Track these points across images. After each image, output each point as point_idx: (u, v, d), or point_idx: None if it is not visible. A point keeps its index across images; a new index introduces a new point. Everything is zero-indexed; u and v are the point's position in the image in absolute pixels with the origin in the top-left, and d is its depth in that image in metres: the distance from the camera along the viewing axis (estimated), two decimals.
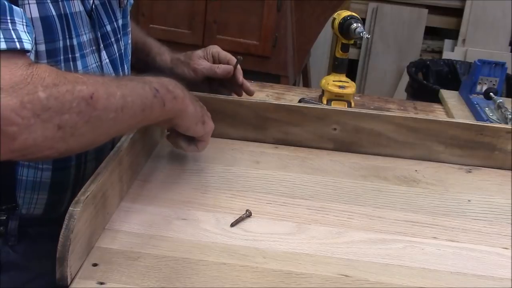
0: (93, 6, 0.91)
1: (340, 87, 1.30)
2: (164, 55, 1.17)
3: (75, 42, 0.86)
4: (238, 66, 1.12)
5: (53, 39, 0.81)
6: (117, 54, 0.98)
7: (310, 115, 1.07)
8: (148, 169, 0.96)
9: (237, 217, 0.84)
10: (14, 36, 0.66)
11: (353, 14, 1.27)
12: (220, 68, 1.12)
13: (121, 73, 0.99)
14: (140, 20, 2.49)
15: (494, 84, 1.47)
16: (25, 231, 0.89)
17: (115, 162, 0.81)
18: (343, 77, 1.32)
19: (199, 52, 1.15)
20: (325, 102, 1.31)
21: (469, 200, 0.95)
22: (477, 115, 1.37)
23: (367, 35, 1.22)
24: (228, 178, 0.96)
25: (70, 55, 0.85)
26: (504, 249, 0.82)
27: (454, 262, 0.79)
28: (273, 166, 1.01)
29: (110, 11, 0.96)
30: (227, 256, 0.75)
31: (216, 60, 1.14)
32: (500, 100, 1.38)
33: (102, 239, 0.77)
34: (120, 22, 0.99)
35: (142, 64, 1.16)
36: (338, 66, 1.32)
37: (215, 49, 1.15)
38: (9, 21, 0.66)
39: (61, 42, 0.83)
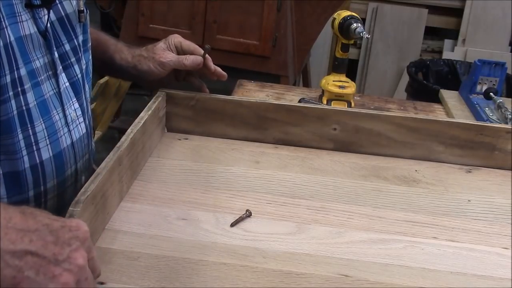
0: (48, 25, 0.82)
1: (340, 87, 1.30)
2: (123, 52, 1.08)
3: (23, 72, 0.77)
4: (207, 54, 1.06)
5: None
6: (78, 76, 0.90)
7: (310, 115, 1.07)
8: (148, 169, 0.96)
9: (237, 217, 0.84)
10: None
11: (353, 14, 1.27)
12: (189, 60, 1.04)
13: (83, 95, 0.92)
14: (140, 20, 2.49)
15: (494, 84, 1.47)
16: None
17: (115, 162, 0.81)
18: (343, 77, 1.32)
19: (162, 44, 1.06)
20: (325, 102, 1.31)
21: (469, 200, 0.95)
22: (477, 115, 1.37)
23: (367, 35, 1.22)
24: (228, 178, 0.96)
25: (19, 89, 0.77)
26: (504, 249, 0.82)
27: (454, 262, 0.79)
28: (273, 166, 1.01)
29: (69, 27, 0.88)
30: (227, 256, 0.75)
31: (179, 50, 1.07)
32: (500, 100, 1.38)
33: (102, 239, 0.77)
34: (80, 38, 0.92)
35: (97, 63, 1.03)
36: (338, 66, 1.32)
37: (177, 39, 1.07)
38: None
39: (7, 77, 0.74)
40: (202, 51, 1.06)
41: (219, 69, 1.08)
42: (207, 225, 0.82)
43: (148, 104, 1.01)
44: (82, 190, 0.72)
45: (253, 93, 1.46)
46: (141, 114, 0.96)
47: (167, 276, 0.70)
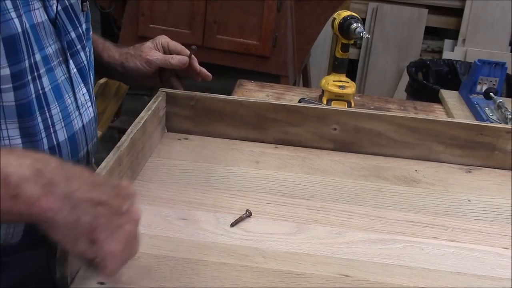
0: (57, 13, 0.85)
1: (340, 87, 1.30)
2: (110, 50, 1.10)
3: (38, 57, 0.81)
4: (193, 55, 1.08)
5: (18, 60, 0.76)
6: (85, 62, 0.93)
7: (310, 115, 1.07)
8: (148, 169, 0.96)
9: (237, 217, 0.84)
10: None
11: (353, 14, 1.27)
12: (175, 59, 1.06)
13: (89, 81, 0.95)
14: (140, 20, 2.49)
15: (494, 84, 1.47)
16: (1, 261, 0.82)
17: (115, 162, 0.81)
18: (343, 77, 1.32)
19: (149, 44, 1.09)
20: (325, 102, 1.31)
21: (469, 200, 0.95)
22: (477, 115, 1.37)
23: (367, 35, 1.22)
24: (228, 178, 0.96)
25: (35, 73, 0.80)
26: (504, 249, 0.82)
27: (454, 262, 0.79)
28: (273, 166, 1.01)
29: (73, 16, 0.91)
30: (227, 256, 0.75)
31: (166, 50, 1.09)
32: (500, 100, 1.38)
33: None
34: (84, 27, 0.94)
35: None
36: (338, 66, 1.32)
37: (164, 39, 1.10)
38: None
39: (26, 62, 0.78)
40: (188, 52, 1.08)
41: (204, 70, 1.11)
42: (207, 225, 0.82)
43: (148, 104, 1.01)
44: None
45: (253, 93, 1.46)
46: (141, 114, 0.96)
47: (167, 276, 0.70)
